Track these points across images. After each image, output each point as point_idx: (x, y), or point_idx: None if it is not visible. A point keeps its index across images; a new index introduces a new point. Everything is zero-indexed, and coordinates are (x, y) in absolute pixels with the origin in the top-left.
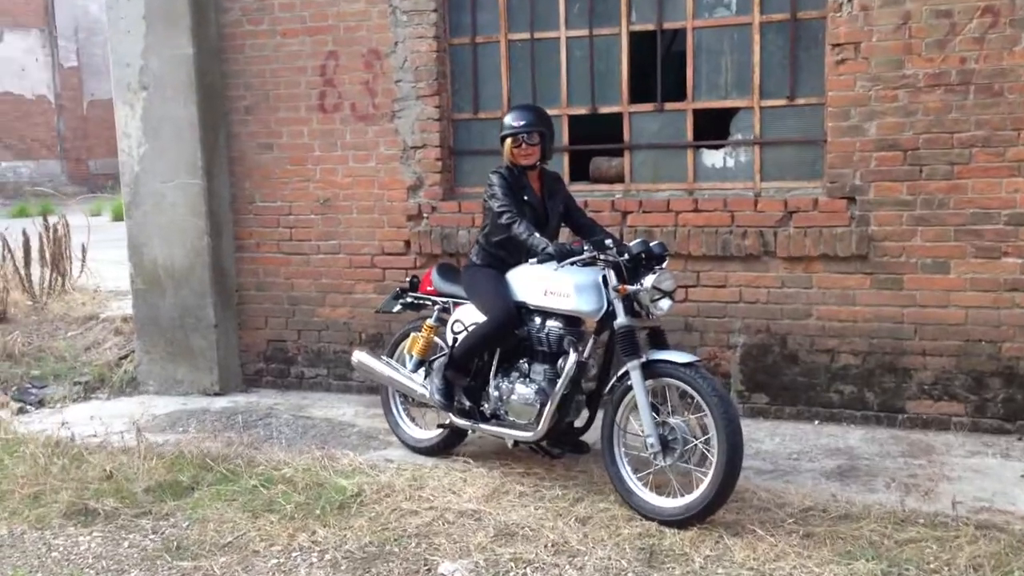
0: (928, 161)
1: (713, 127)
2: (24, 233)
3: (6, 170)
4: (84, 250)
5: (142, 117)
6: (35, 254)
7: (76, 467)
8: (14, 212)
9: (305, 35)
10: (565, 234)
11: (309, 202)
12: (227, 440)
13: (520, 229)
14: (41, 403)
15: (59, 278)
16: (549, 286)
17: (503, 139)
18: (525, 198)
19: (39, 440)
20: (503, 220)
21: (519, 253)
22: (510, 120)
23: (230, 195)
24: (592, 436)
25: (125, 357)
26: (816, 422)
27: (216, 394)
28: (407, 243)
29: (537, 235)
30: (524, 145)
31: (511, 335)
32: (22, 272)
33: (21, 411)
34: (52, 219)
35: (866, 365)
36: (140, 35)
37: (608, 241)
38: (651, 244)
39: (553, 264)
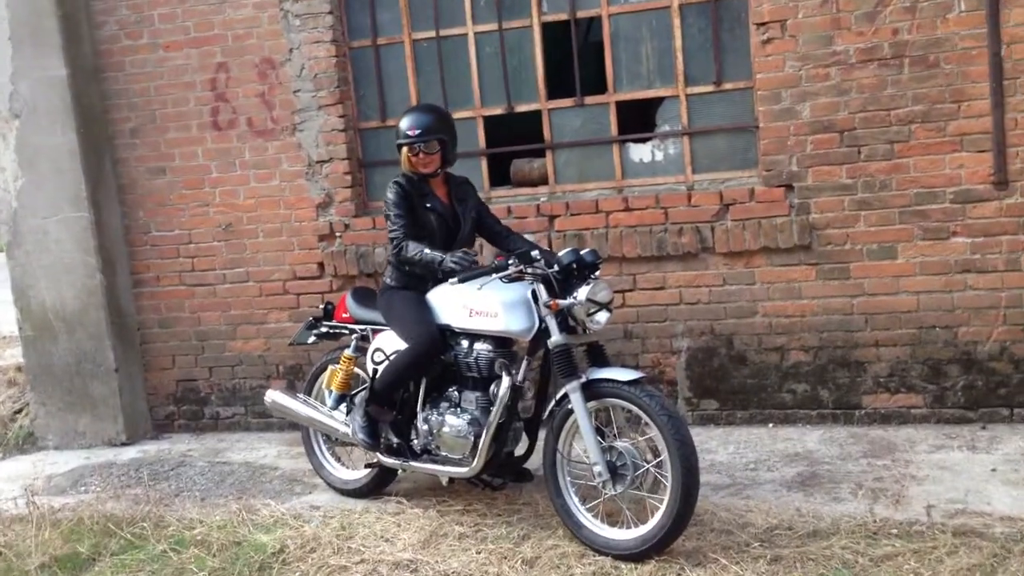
0: (866, 141)
1: (638, 119)
2: None
3: None
4: None
5: (16, 148)
6: None
7: None
8: None
9: (190, 47)
10: (490, 250)
11: (210, 228)
12: (134, 498)
13: (411, 251)
14: None
15: None
16: (474, 306)
17: (399, 147)
18: (428, 206)
19: None
20: (391, 243)
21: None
22: (404, 126)
23: (123, 226)
24: (535, 462)
25: (20, 411)
26: (770, 425)
27: (123, 444)
28: (320, 265)
29: (428, 250)
30: (421, 154)
31: (436, 362)
32: None
33: None
34: None
35: (818, 361)
36: (7, 58)
37: (535, 252)
38: (582, 252)
39: (478, 281)
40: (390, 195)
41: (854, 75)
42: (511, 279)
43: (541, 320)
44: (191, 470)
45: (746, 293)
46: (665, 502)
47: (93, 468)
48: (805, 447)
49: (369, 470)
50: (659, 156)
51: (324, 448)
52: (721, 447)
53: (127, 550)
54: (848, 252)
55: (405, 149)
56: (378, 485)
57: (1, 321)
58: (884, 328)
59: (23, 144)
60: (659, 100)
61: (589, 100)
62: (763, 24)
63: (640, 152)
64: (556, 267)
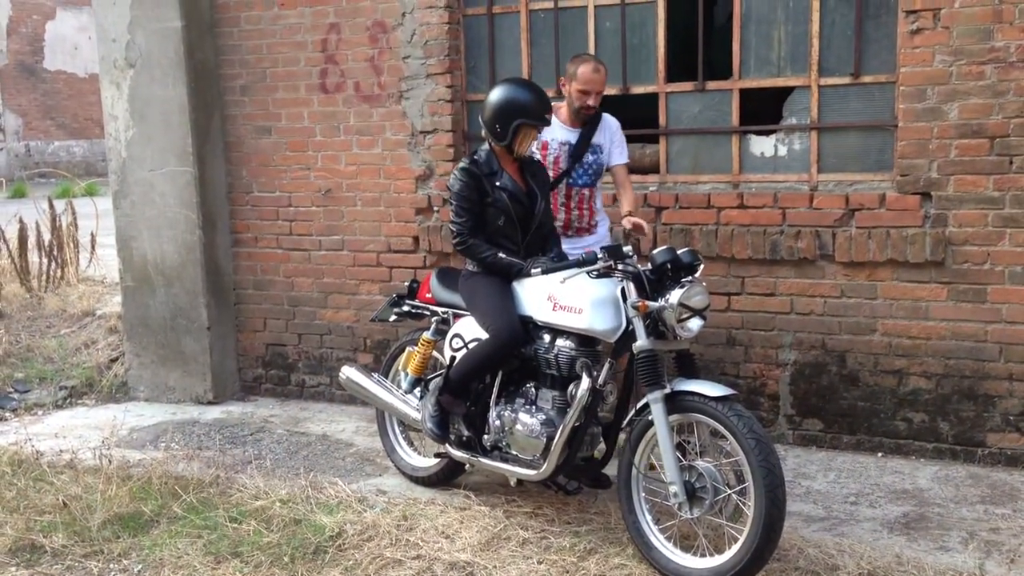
0: (1020, 150)
1: (763, 110)
2: (20, 220)
3: (59, 149)
4: (93, 238)
5: (129, 98)
6: (39, 242)
7: (36, 491)
8: (57, 192)
9: (304, 6)
10: None
11: (310, 192)
12: (207, 461)
13: (481, 252)
14: (25, 409)
15: (59, 269)
16: (559, 299)
17: (521, 127)
18: (498, 184)
19: (3, 457)
20: (453, 236)
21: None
22: (539, 109)
23: (226, 184)
24: (613, 469)
25: (116, 360)
26: (879, 454)
27: (210, 403)
28: (416, 240)
29: (502, 255)
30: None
31: (516, 355)
32: (17, 263)
33: None
34: (59, 205)
35: (940, 390)
36: (126, 6)
37: (627, 248)
38: (679, 252)
39: (563, 273)
40: (456, 186)
41: (1013, 75)
42: (599, 274)
43: (628, 321)
44: (269, 437)
45: (865, 308)
46: (745, 534)
47: (176, 425)
48: (915, 484)
49: (439, 460)
50: (782, 151)
51: (398, 431)
52: (821, 473)
53: (190, 514)
54: (987, 273)
55: (534, 131)
56: (447, 476)
57: (113, 267)
58: (1020, 360)
59: (135, 95)
60: (788, 90)
61: (711, 85)
62: (914, 12)
63: (762, 145)
64: (649, 265)
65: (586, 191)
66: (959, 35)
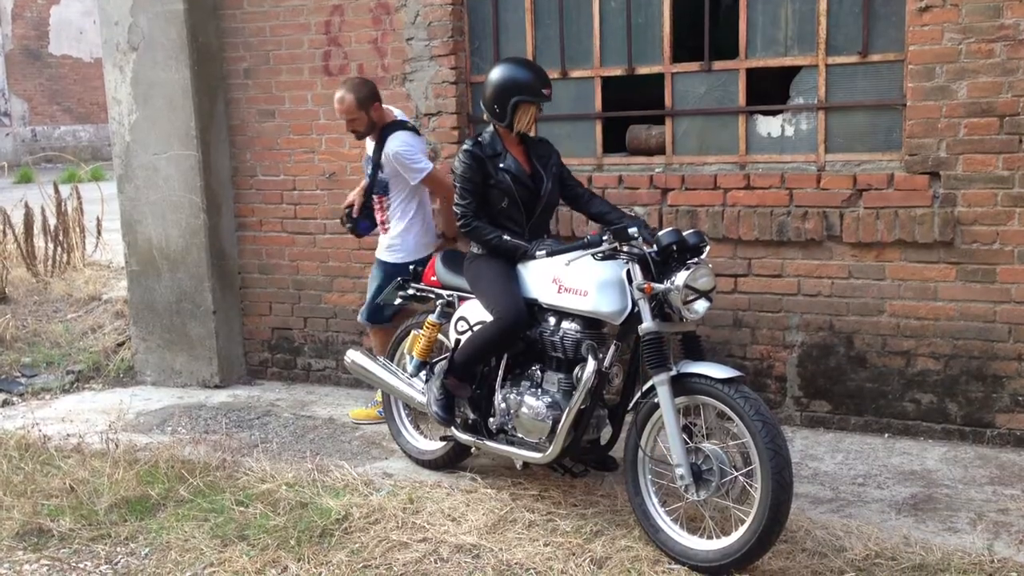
0: None
1: (770, 90)
2: (26, 205)
3: (65, 134)
4: (99, 223)
5: (132, 81)
6: (44, 227)
7: (43, 475)
8: (63, 177)
9: None
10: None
11: (314, 176)
12: (214, 444)
13: (486, 234)
14: (32, 394)
15: (65, 254)
16: (564, 282)
17: (519, 103)
18: (502, 166)
19: (11, 442)
20: (457, 218)
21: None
22: (537, 84)
23: (230, 168)
24: (619, 452)
25: (122, 344)
26: (887, 436)
27: (216, 386)
28: None
29: (507, 237)
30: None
31: (521, 337)
32: (23, 247)
33: (5, 403)
34: (64, 190)
35: (948, 371)
36: None
37: (632, 229)
38: (685, 233)
39: (568, 256)
40: (459, 168)
41: (1023, 53)
42: (604, 256)
43: (634, 303)
44: (275, 421)
45: (873, 289)
46: (752, 516)
47: (183, 409)
48: (924, 465)
49: (445, 443)
50: (789, 131)
51: (404, 415)
52: (828, 455)
53: (197, 496)
54: (996, 253)
55: (533, 108)
56: (454, 459)
57: (119, 252)
58: None
59: (138, 78)
60: (795, 69)
61: (717, 65)
62: None
63: (768, 125)
64: (655, 247)
65: (375, 197)
66: (968, 13)
